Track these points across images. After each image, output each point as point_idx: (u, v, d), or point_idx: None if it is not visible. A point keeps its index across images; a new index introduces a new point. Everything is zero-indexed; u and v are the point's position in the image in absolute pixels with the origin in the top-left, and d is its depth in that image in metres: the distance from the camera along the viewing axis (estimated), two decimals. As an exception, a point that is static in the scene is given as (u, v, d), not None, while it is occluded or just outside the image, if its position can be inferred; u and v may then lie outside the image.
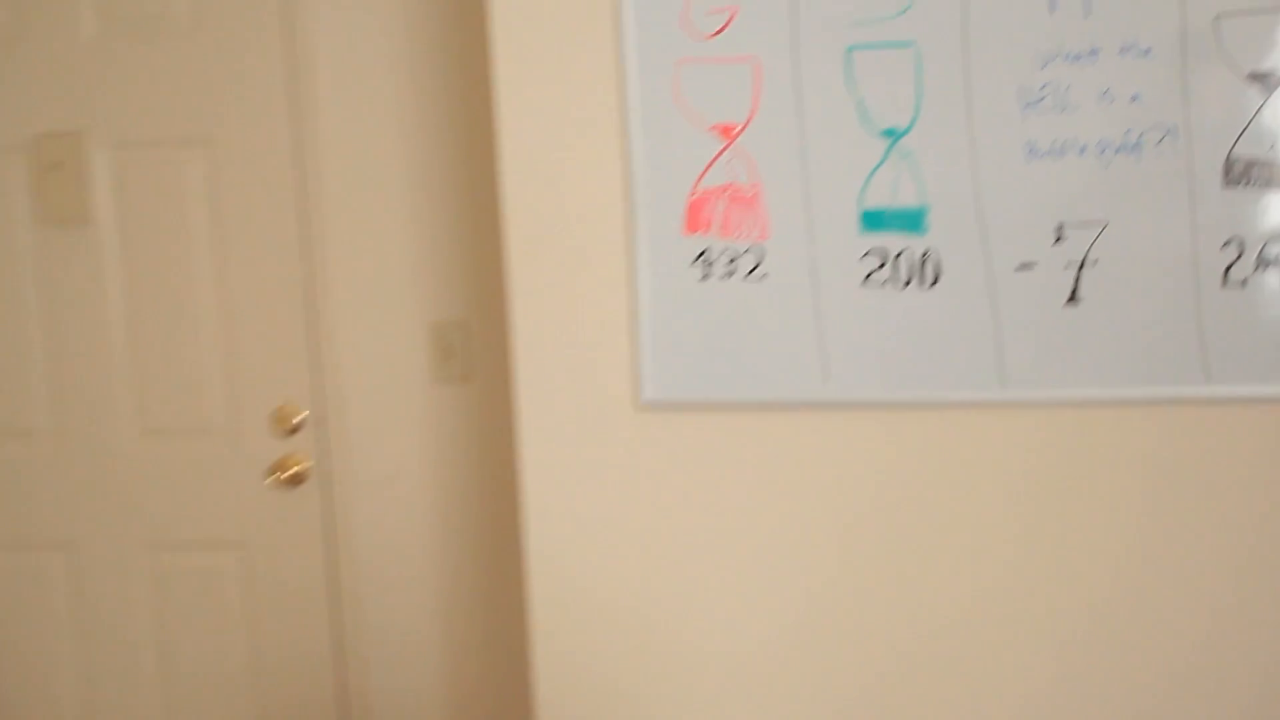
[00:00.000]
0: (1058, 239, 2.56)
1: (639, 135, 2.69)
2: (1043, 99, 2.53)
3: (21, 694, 3.67)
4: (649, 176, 2.70)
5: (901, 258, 2.62)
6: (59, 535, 3.63)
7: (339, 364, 3.48)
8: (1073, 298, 2.57)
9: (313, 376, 3.47)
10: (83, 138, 3.47)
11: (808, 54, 2.61)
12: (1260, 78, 2.46)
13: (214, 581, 3.59)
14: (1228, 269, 2.51)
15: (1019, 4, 2.53)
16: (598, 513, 2.83)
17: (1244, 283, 2.51)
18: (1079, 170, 2.54)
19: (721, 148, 2.67)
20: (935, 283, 2.62)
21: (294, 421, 3.48)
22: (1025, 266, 2.58)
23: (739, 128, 2.66)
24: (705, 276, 2.70)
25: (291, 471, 3.49)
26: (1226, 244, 2.51)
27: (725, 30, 2.65)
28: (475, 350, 3.42)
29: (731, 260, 2.69)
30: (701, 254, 2.70)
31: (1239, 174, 2.49)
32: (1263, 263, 2.50)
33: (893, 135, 2.60)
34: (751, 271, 2.68)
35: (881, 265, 2.63)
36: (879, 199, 2.62)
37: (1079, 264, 2.56)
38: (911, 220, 2.61)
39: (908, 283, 2.63)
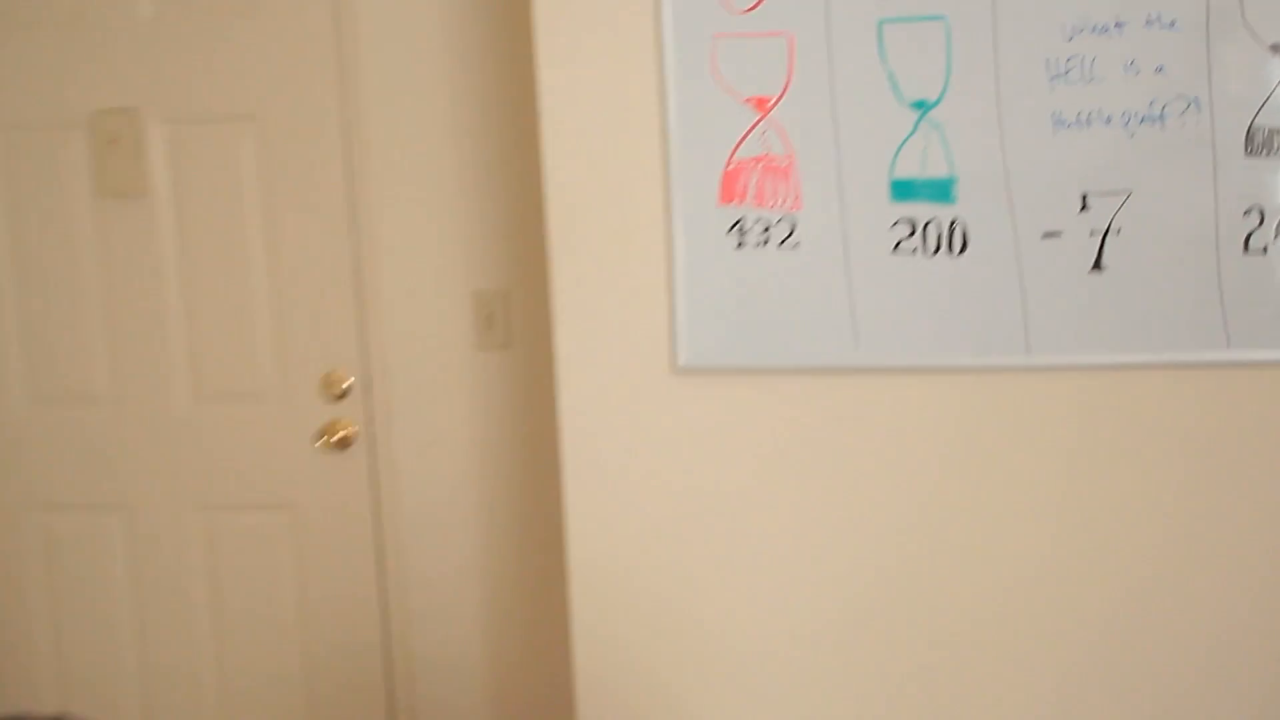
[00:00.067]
0: (1083, 208, 2.54)
1: (676, 108, 2.68)
2: (1069, 70, 2.51)
3: (83, 647, 3.69)
4: (686, 148, 2.68)
5: (930, 226, 2.61)
6: (117, 496, 3.64)
7: (385, 331, 3.48)
8: (1097, 265, 2.55)
9: (360, 344, 3.47)
10: (140, 114, 3.47)
11: (840, 28, 2.59)
12: (1282, 50, 2.44)
13: (266, 540, 3.59)
14: (1249, 236, 2.49)
15: (1046, -22, 2.51)
16: (634, 473, 2.82)
17: (1265, 250, 2.49)
18: (1104, 140, 2.51)
19: (756, 120, 2.65)
20: (963, 250, 2.60)
21: (342, 387, 3.48)
22: (1051, 234, 2.56)
23: (773, 100, 2.64)
24: (740, 245, 2.69)
25: (340, 435, 3.49)
26: (1248, 212, 2.48)
27: (760, 5, 2.62)
28: (515, 318, 3.42)
29: (765, 229, 2.67)
30: (736, 223, 2.68)
31: (1261, 144, 2.46)
32: (1283, 230, 2.48)
33: (922, 107, 2.58)
34: (785, 240, 2.67)
35: (911, 234, 2.61)
36: (909, 169, 2.60)
37: (1103, 232, 2.53)
38: (940, 190, 2.59)
39: (936, 250, 2.61)
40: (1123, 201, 2.52)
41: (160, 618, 3.65)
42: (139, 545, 3.65)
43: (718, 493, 2.78)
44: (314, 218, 3.43)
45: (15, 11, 3.48)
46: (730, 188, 2.67)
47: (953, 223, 2.59)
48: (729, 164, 2.67)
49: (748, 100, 2.65)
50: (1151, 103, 2.49)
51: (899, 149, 2.60)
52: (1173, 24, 2.46)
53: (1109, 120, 2.51)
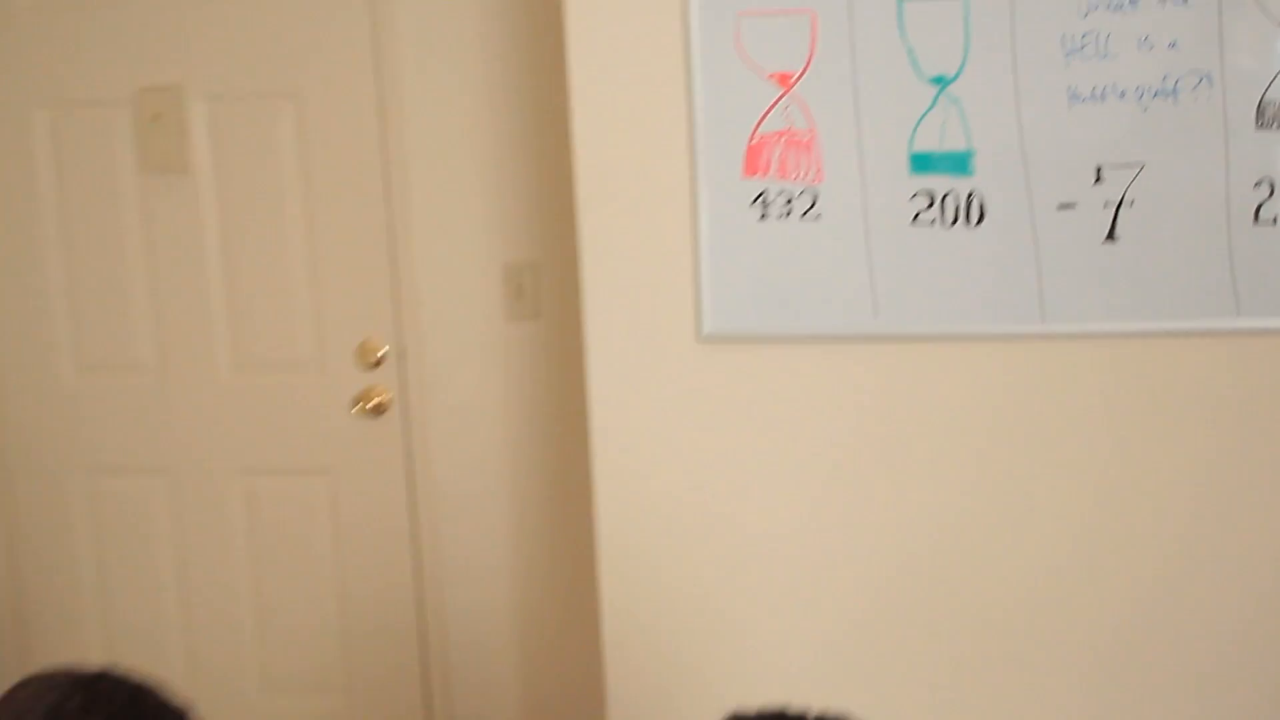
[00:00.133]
0: (1097, 180, 2.52)
1: (702, 84, 2.66)
2: (1084, 46, 2.49)
3: (128, 604, 3.70)
4: (711, 123, 2.67)
5: (948, 198, 2.59)
6: (160, 461, 3.65)
7: (418, 302, 3.48)
8: (1111, 235, 2.53)
9: (394, 314, 3.47)
10: (182, 91, 3.46)
11: (861, 5, 2.57)
12: (1292, 26, 2.42)
13: (303, 503, 3.60)
14: (1259, 208, 2.47)
15: (1063, -44, 2.49)
16: (660, 438, 2.81)
17: (1275, 220, 2.47)
18: (1118, 114, 2.50)
19: (779, 95, 2.63)
20: (980, 222, 2.58)
21: (377, 356, 3.48)
22: (1066, 206, 2.54)
23: (796, 76, 2.62)
24: (763, 217, 2.67)
25: (375, 402, 3.49)
26: (1258, 184, 2.46)
27: (784, -17, 2.62)
28: (545, 289, 3.41)
29: (788, 201, 2.65)
30: (760, 195, 2.67)
31: (1271, 117, 2.44)
32: (1293, 202, 2.46)
33: (941, 82, 2.56)
34: (807, 212, 2.65)
35: (929, 205, 2.60)
36: (928, 143, 2.58)
37: (1117, 203, 2.52)
38: (958, 163, 2.57)
39: (954, 222, 2.59)
40: (1136, 174, 2.50)
41: (202, 576, 3.66)
42: (182, 507, 3.65)
43: (741, 456, 2.77)
44: (350, 192, 3.43)
45: (63, -7, 3.49)
46: (754, 161, 2.66)
47: (970, 195, 2.57)
48: (753, 138, 2.65)
49: (771, 76, 2.63)
50: (1164, 78, 2.47)
51: (918, 123, 2.58)
52: (1185, 1, 2.44)
53: (1123, 95, 2.49)
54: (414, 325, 3.48)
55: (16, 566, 3.75)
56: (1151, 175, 2.50)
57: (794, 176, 2.65)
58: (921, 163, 2.59)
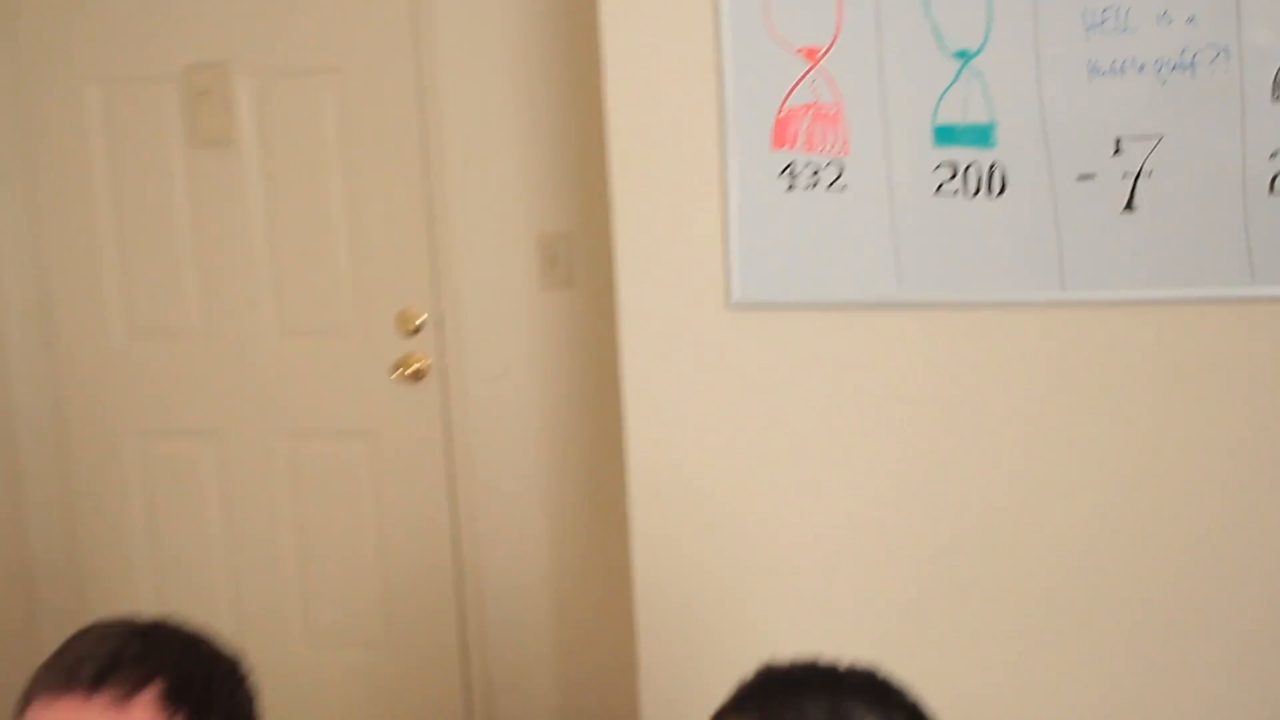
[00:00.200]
0: (1116, 151, 2.49)
1: (731, 58, 2.64)
2: (1104, 21, 2.46)
3: (177, 561, 3.72)
4: (740, 96, 2.64)
5: (971, 169, 2.57)
6: (207, 424, 3.66)
7: (456, 271, 3.47)
8: (1129, 205, 2.51)
9: (433, 282, 3.47)
10: (228, 68, 3.46)
11: (887, -20, 2.55)
12: (1309, 0, 2.39)
13: (345, 465, 3.61)
14: (1274, 178, 2.44)
15: (1084, -68, 2.46)
16: (691, 404, 2.80)
17: (1290, 190, 2.45)
18: (1137, 87, 2.47)
19: (806, 69, 2.61)
20: (1002, 192, 2.56)
21: (416, 323, 3.48)
22: (1085, 177, 2.52)
23: (823, 51, 2.60)
24: (790, 188, 2.65)
25: (413, 368, 3.50)
26: (1274, 155, 2.44)
27: (811, -40, 2.59)
28: (578, 259, 3.40)
29: (815, 173, 2.64)
30: (787, 167, 2.65)
31: (1287, 90, 2.42)
32: (1307, 172, 2.43)
33: (964, 56, 2.53)
34: (833, 183, 2.63)
35: (952, 176, 2.58)
36: (951, 115, 2.56)
37: (1135, 174, 2.49)
38: (981, 135, 2.55)
39: (976, 192, 2.57)
40: (1154, 145, 2.47)
41: (248, 534, 3.68)
42: (228, 468, 3.66)
43: (768, 419, 2.76)
44: (390, 164, 3.43)
45: (114, -28, 3.49)
46: (782, 133, 2.64)
47: (992, 166, 2.55)
48: (781, 111, 2.63)
49: (799, 50, 2.61)
50: (1183, 51, 2.44)
51: (941, 96, 2.56)
52: (1204, -25, 2.41)
53: (1142, 68, 2.46)
54: (451, 294, 3.48)
55: (73, 524, 3.76)
56: (1169, 147, 2.47)
57: (821, 148, 2.63)
58: (945, 135, 2.57)
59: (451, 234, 3.45)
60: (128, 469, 3.71)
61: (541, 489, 3.53)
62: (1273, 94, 2.42)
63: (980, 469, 2.68)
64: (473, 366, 3.51)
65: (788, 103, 2.63)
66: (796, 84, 2.62)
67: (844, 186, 2.63)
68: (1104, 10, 2.45)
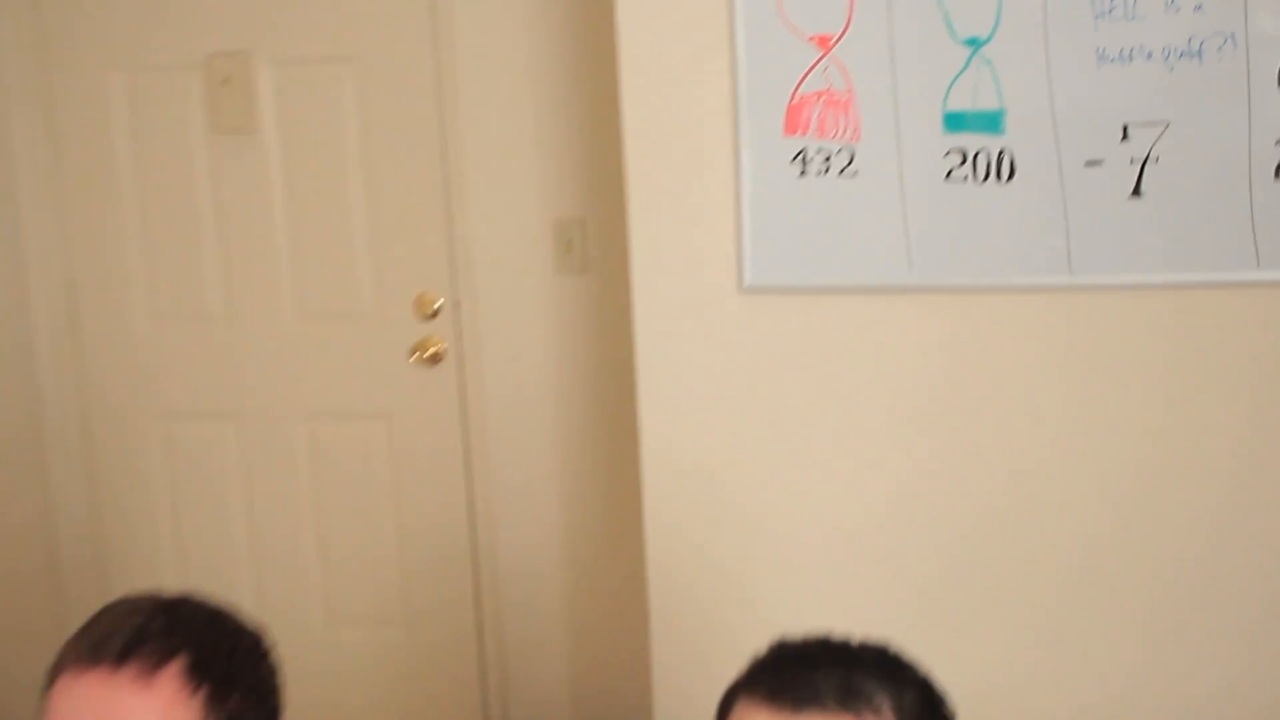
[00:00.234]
0: (1124, 137, 2.48)
1: (745, 46, 2.62)
2: (1113, 9, 2.44)
3: (200, 540, 3.73)
4: (753, 84, 2.63)
5: (980, 155, 2.56)
6: (229, 407, 3.66)
7: (472, 257, 3.47)
8: (1136, 191, 2.49)
9: (450, 268, 3.46)
10: (249, 56, 3.46)
11: (898, -32, 2.54)
12: (1315, -11, 2.37)
13: (364, 448, 3.61)
14: (1279, 165, 2.43)
15: (1094, -80, 2.44)
16: (704, 386, 2.79)
17: (1295, 177, 2.43)
18: (1145, 74, 2.45)
19: (819, 57, 2.60)
20: (1011, 178, 2.55)
21: (433, 307, 3.48)
22: (1093, 163, 2.50)
23: (835, 39, 2.59)
24: (803, 173, 2.64)
25: (431, 351, 3.49)
26: (1279, 142, 2.42)
27: (824, -51, 2.58)
28: (592, 244, 3.40)
29: (826, 159, 2.63)
30: (799, 153, 2.64)
31: (1293, 77, 2.40)
32: (1312, 159, 2.42)
33: (975, 44, 2.52)
34: (844, 169, 2.62)
35: (962, 162, 2.57)
36: (961, 102, 2.55)
37: (1143, 160, 2.48)
38: (990, 121, 2.54)
39: (986, 178, 2.56)
40: (1161, 132, 2.46)
41: (269, 514, 3.68)
42: (250, 449, 3.67)
43: (779, 401, 2.75)
44: (408, 151, 3.42)
45: (138, -37, 3.49)
46: (794, 120, 2.63)
47: (1001, 152, 2.54)
48: (793, 98, 2.62)
49: (811, 38, 2.60)
50: (1190, 39, 2.42)
51: (952, 83, 2.54)
52: (1212, -36, 2.40)
53: (1150, 55, 2.45)
54: (468, 279, 3.47)
55: (97, 504, 3.77)
56: (1176, 133, 2.46)
57: (832, 135, 2.62)
58: (955, 121, 2.56)
59: (468, 220, 3.45)
60: (151, 450, 3.72)
61: (556, 470, 3.52)
62: (1279, 81, 2.40)
63: (990, 451, 2.67)
64: (489, 350, 3.50)
65: (800, 90, 2.62)
66: (809, 72, 2.61)
67: (855, 172, 2.62)
68: (1112, -1, 2.44)
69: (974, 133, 2.55)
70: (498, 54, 3.37)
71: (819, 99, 2.61)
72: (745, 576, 2.82)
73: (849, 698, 1.37)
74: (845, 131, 2.61)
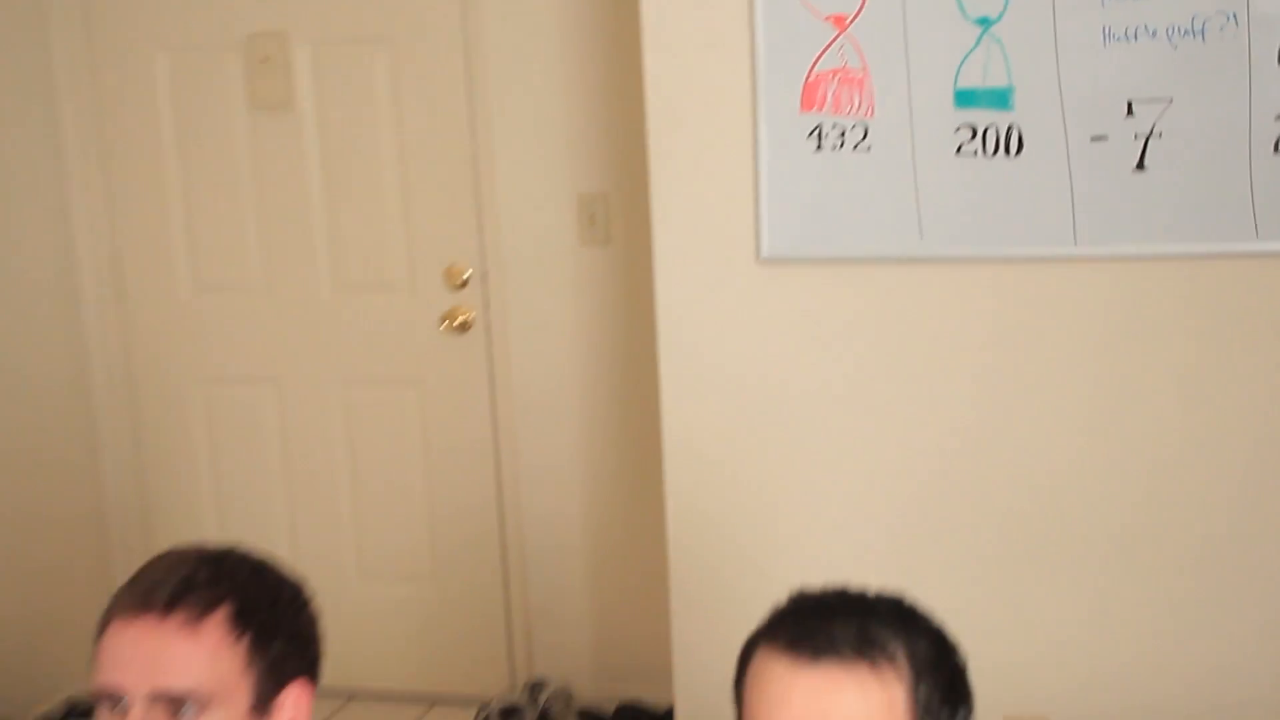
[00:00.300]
0: (1128, 113, 2.46)
1: (763, 25, 2.61)
2: (1119, -11, 2.42)
3: (239, 499, 3.74)
4: (771, 61, 2.62)
5: (989, 131, 2.54)
6: (267, 372, 3.66)
7: (500, 229, 3.46)
8: (1140, 165, 2.47)
9: (478, 240, 3.46)
10: (287, 36, 3.45)
11: (912, -49, 2.52)
12: (1315, -31, 2.34)
13: (395, 412, 3.61)
14: (1278, 139, 2.40)
15: (1102, -98, 2.41)
16: (722, 352, 2.79)
17: (1293, 151, 2.41)
18: (1149, 52, 2.43)
19: (834, 36, 2.58)
20: (1019, 153, 2.53)
21: (462, 278, 3.47)
22: (1099, 138, 2.48)
23: (850, 18, 2.57)
24: (818, 148, 2.63)
25: (460, 320, 3.49)
26: (1279, 117, 2.39)
27: (839, -70, 2.56)
28: (615, 217, 3.39)
29: (841, 134, 2.61)
30: (815, 129, 2.62)
31: (1293, 55, 2.38)
32: (1310, 134, 2.39)
33: (985, 23, 2.50)
34: (858, 144, 2.60)
35: (972, 137, 2.55)
36: (971, 80, 2.53)
37: (1146, 135, 2.46)
38: (999, 98, 2.52)
39: (995, 153, 2.54)
40: (1165, 108, 2.44)
41: (306, 475, 3.69)
42: (287, 413, 3.67)
43: (795, 366, 2.75)
44: (438, 127, 3.41)
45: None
46: (810, 97, 2.61)
47: (1010, 127, 2.52)
48: (809, 76, 2.61)
49: (827, 18, 2.58)
50: (1193, 18, 2.40)
51: (963, 61, 2.52)
52: (1215, -55, 2.37)
53: (1154, 34, 2.42)
54: (496, 250, 3.46)
55: (142, 464, 3.78)
56: (1179, 109, 2.43)
57: (847, 111, 2.60)
58: (965, 98, 2.54)
59: (496, 194, 3.44)
60: (193, 414, 3.72)
61: (579, 433, 3.52)
62: (1278, 59, 2.38)
63: (1001, 417, 2.65)
64: (515, 319, 3.49)
65: (816, 68, 2.60)
66: (825, 50, 2.59)
67: (869, 147, 2.60)
68: (1119, -22, 2.41)
69: (984, 109, 2.53)
70: (524, 34, 3.35)
71: (834, 76, 2.60)
72: (760, 523, 2.81)
73: (865, 647, 1.37)
74: (859, 107, 2.59)
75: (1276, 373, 2.51)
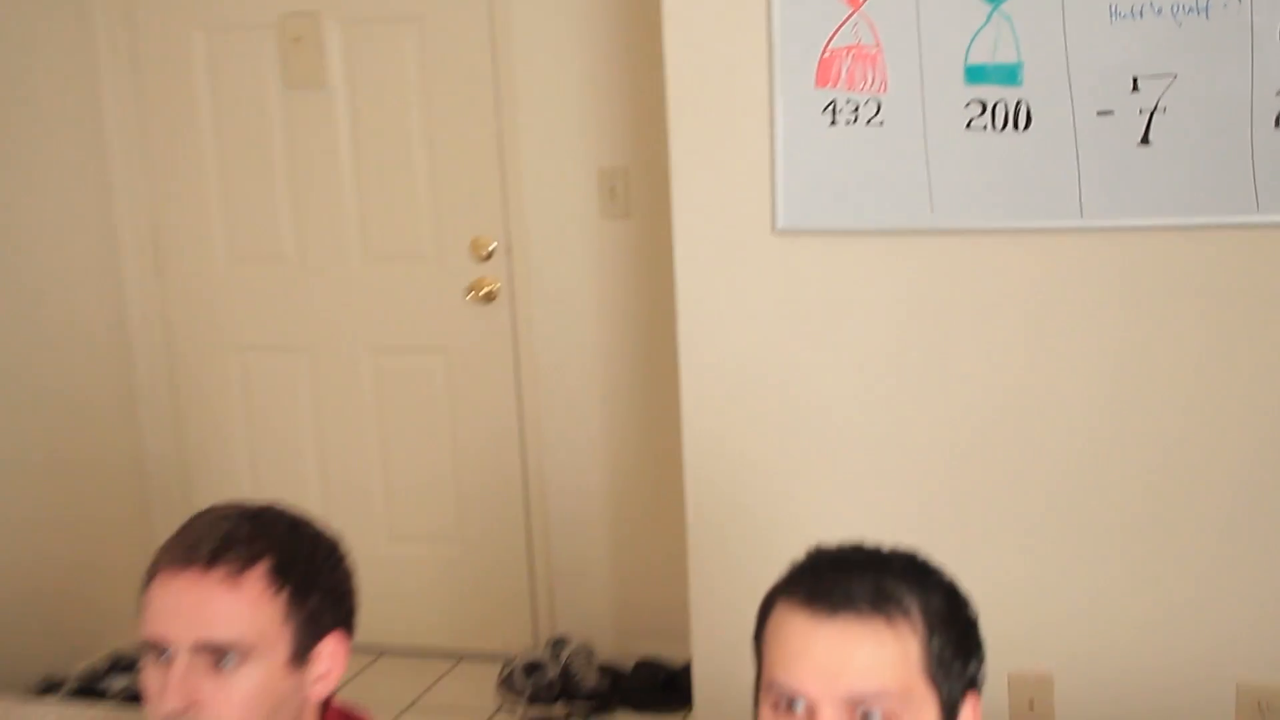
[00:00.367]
0: (1133, 89, 2.44)
1: (780, 3, 2.59)
2: (1125, -33, 2.40)
3: (273, 463, 3.75)
4: (787, 38, 2.60)
5: (999, 106, 2.52)
6: (302, 340, 3.67)
7: (524, 202, 3.45)
8: (1145, 139, 2.45)
9: (503, 213, 3.45)
10: (319, 16, 3.44)
11: (924, -70, 2.49)
12: (1317, -52, 2.31)
13: (423, 379, 3.61)
14: (1279, 114, 2.38)
15: (1111, -118, 2.39)
16: (739, 321, 2.78)
17: (1294, 126, 2.38)
18: (1154, 29, 2.41)
19: (849, 14, 2.56)
20: (1027, 127, 2.51)
21: (487, 250, 3.46)
22: (1104, 113, 2.46)
23: (864, -4, 2.55)
24: (833, 123, 2.61)
25: (485, 290, 3.48)
26: (1279, 93, 2.37)
27: (854, -89, 2.54)
28: (635, 191, 3.37)
29: (855, 109, 2.59)
30: (830, 104, 2.61)
31: (1294, 32, 2.35)
32: (1311, 109, 2.37)
33: (995, 1, 2.48)
34: (872, 119, 2.59)
35: (982, 112, 2.53)
36: (981, 56, 2.51)
37: (1151, 110, 2.44)
38: (1008, 74, 2.50)
39: (1003, 127, 2.52)
40: (1169, 83, 2.42)
41: (336, 440, 3.69)
42: (319, 380, 3.68)
43: (809, 334, 2.74)
44: (465, 104, 3.41)
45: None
46: (825, 73, 2.60)
47: (1019, 102, 2.50)
48: (824, 52, 2.59)
49: (842, -4, 2.57)
50: (1198, -5, 2.38)
51: (973, 38, 2.51)
52: (1220, -77, 2.34)
53: (1159, 11, 2.40)
54: (520, 223, 3.46)
55: (180, 430, 3.79)
56: (1183, 85, 2.41)
57: (861, 87, 2.58)
58: (975, 74, 2.52)
59: (520, 169, 3.43)
60: (229, 381, 3.73)
61: (600, 399, 3.52)
62: (1280, 35, 2.36)
63: (1003, 381, 2.65)
64: (538, 290, 3.49)
65: (831, 44, 2.58)
66: (839, 27, 2.57)
67: (882, 122, 2.59)
68: (1125, -44, 2.39)
69: (993, 84, 2.51)
70: (547, 13, 3.34)
71: (849, 53, 2.58)
72: (777, 490, 2.80)
73: (881, 601, 1.36)
74: (873, 83, 2.58)
75: (1273, 337, 2.49)
